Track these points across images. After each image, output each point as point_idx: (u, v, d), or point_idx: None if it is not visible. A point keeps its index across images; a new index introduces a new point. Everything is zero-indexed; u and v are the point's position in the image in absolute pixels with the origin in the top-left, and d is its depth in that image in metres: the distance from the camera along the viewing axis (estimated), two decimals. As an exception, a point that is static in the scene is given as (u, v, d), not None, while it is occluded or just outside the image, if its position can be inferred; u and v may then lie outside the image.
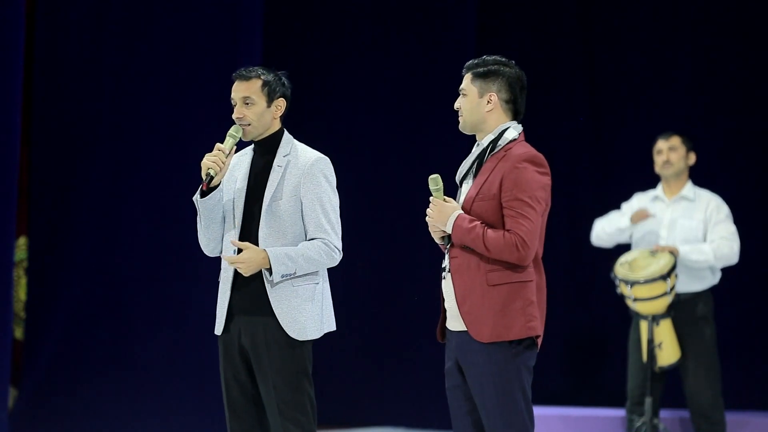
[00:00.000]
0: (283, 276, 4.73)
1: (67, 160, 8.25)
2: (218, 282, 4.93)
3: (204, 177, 4.76)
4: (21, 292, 8.31)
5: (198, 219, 4.87)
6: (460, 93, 4.63)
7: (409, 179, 8.71)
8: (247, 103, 4.86)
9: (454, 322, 4.56)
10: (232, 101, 4.88)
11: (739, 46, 8.78)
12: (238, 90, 4.88)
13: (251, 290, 4.79)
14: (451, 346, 4.60)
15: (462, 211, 4.52)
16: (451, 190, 4.66)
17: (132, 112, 8.27)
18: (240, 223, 4.82)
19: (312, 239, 4.81)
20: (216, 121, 8.25)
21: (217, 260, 4.96)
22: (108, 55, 8.26)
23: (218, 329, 4.87)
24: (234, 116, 4.86)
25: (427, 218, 4.58)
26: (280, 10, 8.88)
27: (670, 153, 7.26)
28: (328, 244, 4.81)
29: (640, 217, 7.24)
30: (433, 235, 4.62)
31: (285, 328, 4.75)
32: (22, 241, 8.29)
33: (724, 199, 7.29)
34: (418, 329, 8.43)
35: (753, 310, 8.66)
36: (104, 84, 8.26)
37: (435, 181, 4.57)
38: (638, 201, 7.40)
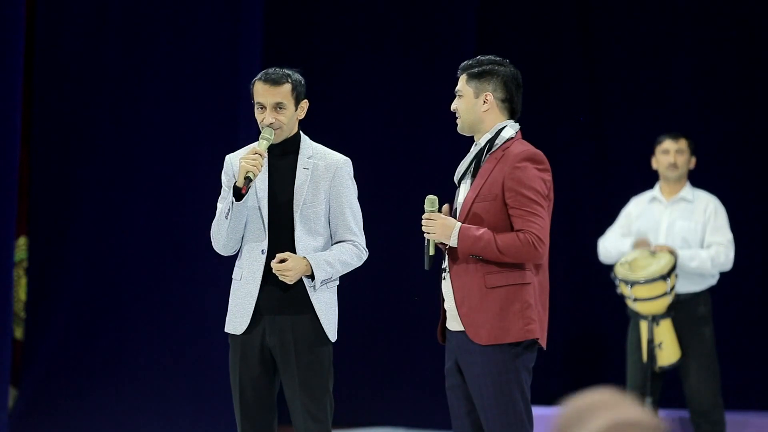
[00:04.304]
0: (322, 282, 4.76)
1: (67, 160, 8.24)
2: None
3: (243, 180, 4.67)
4: (21, 292, 8.29)
5: (222, 220, 4.76)
6: (456, 95, 4.62)
7: (408, 179, 8.71)
8: (280, 108, 4.78)
9: (454, 322, 4.56)
10: (259, 104, 4.80)
11: (739, 46, 8.76)
12: (269, 95, 4.78)
13: (281, 290, 4.76)
14: (451, 346, 4.60)
15: (461, 223, 4.50)
16: (448, 190, 4.66)
17: (132, 111, 8.26)
18: (268, 225, 4.77)
19: (341, 241, 4.85)
20: (216, 121, 8.30)
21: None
22: (108, 55, 8.25)
23: (238, 329, 4.79)
24: (266, 122, 4.77)
25: (426, 234, 4.56)
26: (280, 10, 8.88)
27: (677, 155, 7.21)
28: (357, 246, 4.87)
29: (641, 245, 7.18)
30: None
31: (324, 327, 4.77)
32: (22, 241, 8.28)
33: (722, 199, 7.28)
34: (418, 329, 8.42)
35: (752, 310, 8.65)
36: (104, 84, 8.25)
37: (432, 203, 4.54)
38: (635, 205, 7.38)
